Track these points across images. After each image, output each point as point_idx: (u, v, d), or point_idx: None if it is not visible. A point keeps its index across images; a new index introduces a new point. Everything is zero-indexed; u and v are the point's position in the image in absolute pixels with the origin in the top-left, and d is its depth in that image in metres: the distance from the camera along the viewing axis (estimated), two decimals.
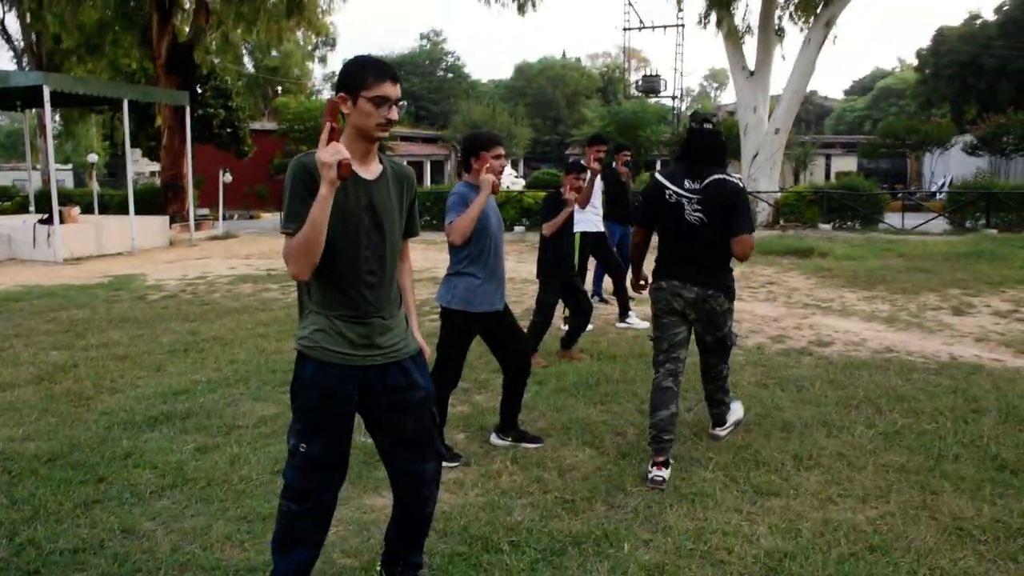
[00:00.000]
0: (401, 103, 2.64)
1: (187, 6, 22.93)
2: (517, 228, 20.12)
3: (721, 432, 4.76)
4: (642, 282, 4.67)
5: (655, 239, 4.59)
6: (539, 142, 57.14)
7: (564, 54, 71.84)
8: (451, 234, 4.25)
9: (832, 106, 75.29)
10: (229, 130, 25.87)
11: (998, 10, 43.90)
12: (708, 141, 4.33)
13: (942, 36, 45.51)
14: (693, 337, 4.57)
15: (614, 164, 8.96)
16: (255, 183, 31.85)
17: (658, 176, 4.41)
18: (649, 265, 4.57)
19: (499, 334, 4.51)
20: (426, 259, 14.13)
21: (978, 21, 45.13)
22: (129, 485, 4.06)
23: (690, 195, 4.24)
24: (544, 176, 25.18)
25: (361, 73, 2.56)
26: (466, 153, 4.40)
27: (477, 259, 4.32)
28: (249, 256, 15.46)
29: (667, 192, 4.29)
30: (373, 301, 2.64)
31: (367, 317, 2.64)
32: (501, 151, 4.35)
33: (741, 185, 4.31)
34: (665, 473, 4.07)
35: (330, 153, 2.35)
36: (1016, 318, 8.64)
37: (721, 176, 4.25)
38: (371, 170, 2.65)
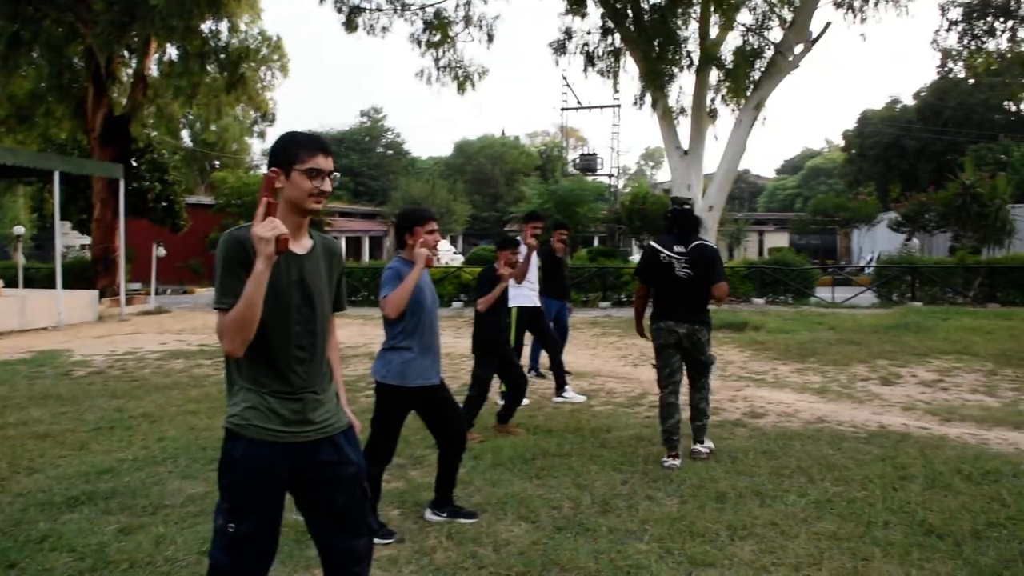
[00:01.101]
0: (334, 176, 2.67)
1: (124, 79, 22.91)
2: (455, 304, 20.18)
3: (703, 448, 5.91)
4: (646, 333, 6.00)
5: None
6: (478, 218, 57.79)
7: (503, 132, 73.33)
8: (385, 308, 4.28)
9: (764, 184, 77.83)
10: (164, 204, 25.59)
11: (916, 95, 46.42)
12: (689, 217, 5.91)
13: (866, 119, 47.90)
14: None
15: (551, 241, 9.10)
16: (189, 257, 31.41)
17: (652, 243, 5.89)
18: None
19: (434, 409, 4.49)
20: (363, 335, 14.05)
21: (898, 106, 47.69)
22: (44, 570, 3.90)
23: (679, 256, 5.75)
24: (482, 252, 25.42)
25: (293, 147, 2.59)
26: (400, 229, 4.45)
27: (412, 333, 4.33)
28: (182, 331, 15.17)
29: (661, 255, 5.79)
30: (305, 376, 2.62)
31: (299, 393, 2.61)
32: (435, 226, 4.41)
33: (715, 247, 5.88)
34: (677, 461, 5.63)
35: (268, 228, 2.36)
36: (941, 387, 8.93)
37: (701, 241, 5.86)
38: (302, 244, 2.66)
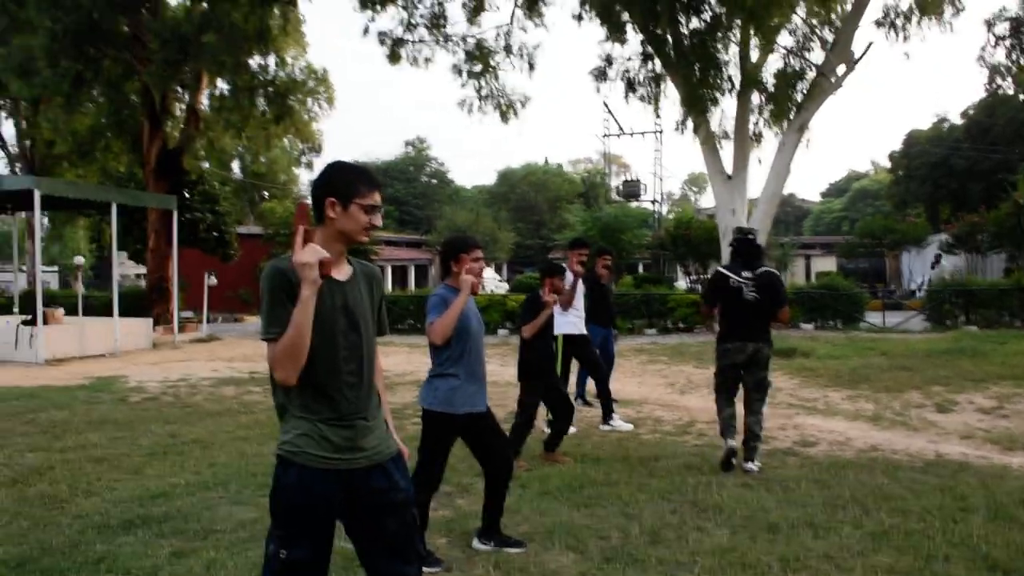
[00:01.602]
0: (382, 210, 2.73)
1: (177, 114, 23.50)
2: (500, 331, 20.19)
3: (753, 467, 6.23)
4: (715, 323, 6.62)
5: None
6: (522, 246, 57.92)
7: (546, 160, 73.68)
8: (432, 334, 4.29)
9: (810, 208, 77.01)
10: (215, 234, 26.12)
11: (964, 114, 45.59)
12: (754, 245, 6.50)
13: (912, 139, 47.12)
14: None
15: (595, 267, 9.08)
16: (240, 286, 31.90)
17: (721, 269, 6.47)
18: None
19: (481, 436, 4.47)
20: (409, 362, 14.10)
21: (946, 124, 46.82)
22: None
23: (747, 281, 6.26)
24: (527, 280, 25.49)
25: (353, 180, 2.64)
26: (446, 256, 4.48)
27: (458, 360, 4.33)
28: (232, 359, 15.39)
29: (731, 280, 6.31)
30: (355, 402, 2.63)
31: (350, 419, 2.62)
32: (480, 253, 4.44)
33: (779, 273, 6.38)
34: (735, 442, 6.28)
35: (310, 254, 2.40)
36: (1000, 414, 8.67)
37: (767, 268, 6.40)
38: (343, 271, 2.68)
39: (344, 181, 2.64)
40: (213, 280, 21.74)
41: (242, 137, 23.56)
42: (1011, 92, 37.71)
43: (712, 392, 6.72)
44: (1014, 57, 26.37)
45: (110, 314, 17.24)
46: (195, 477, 6.20)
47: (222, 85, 21.36)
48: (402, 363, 14.04)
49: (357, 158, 62.07)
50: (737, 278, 6.31)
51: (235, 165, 42.04)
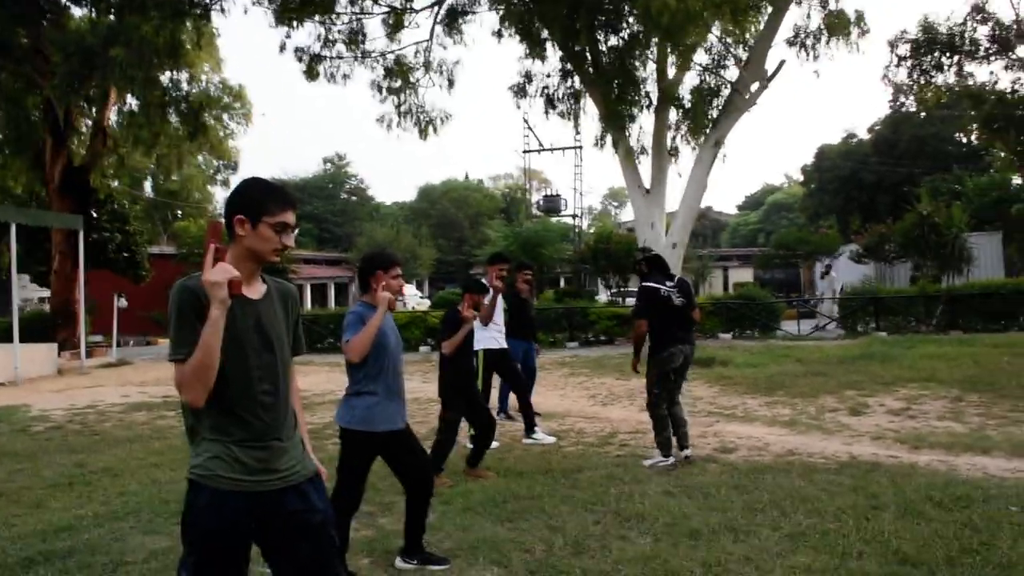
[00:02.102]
0: (296, 230, 2.69)
1: (83, 130, 22.74)
2: (422, 348, 20.09)
3: (689, 452, 6.98)
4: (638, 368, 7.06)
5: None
6: (443, 262, 57.82)
7: (467, 176, 73.95)
8: (348, 352, 4.25)
9: (727, 221, 78.85)
10: (126, 254, 25.32)
11: (871, 129, 47.51)
12: (663, 260, 7.27)
13: (823, 154, 48.85)
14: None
15: (516, 282, 9.11)
16: (152, 308, 30.99)
17: (650, 284, 6.93)
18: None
19: (401, 454, 4.42)
20: (329, 381, 13.90)
21: (854, 139, 48.70)
22: None
23: (672, 289, 6.92)
24: (449, 296, 25.42)
25: (263, 198, 2.59)
26: (363, 273, 4.46)
27: (376, 377, 4.30)
28: (144, 383, 14.92)
29: (661, 290, 6.89)
30: (270, 422, 2.57)
31: (264, 440, 2.56)
32: (398, 270, 4.43)
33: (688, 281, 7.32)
34: (689, 450, 7.01)
35: (220, 273, 2.36)
36: (908, 415, 9.01)
37: (681, 276, 7.53)
38: (256, 289, 2.64)
39: (254, 199, 2.60)
40: (123, 302, 21.07)
41: (153, 155, 22.92)
42: (913, 109, 39.40)
43: (646, 407, 7.06)
44: (915, 76, 27.54)
45: (10, 340, 16.53)
46: (104, 508, 5.97)
47: (131, 101, 20.75)
48: (322, 382, 13.84)
49: (274, 175, 61.29)
50: (665, 288, 6.92)
51: (147, 183, 40.95)
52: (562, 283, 38.01)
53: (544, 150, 40.57)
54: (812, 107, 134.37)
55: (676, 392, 7.07)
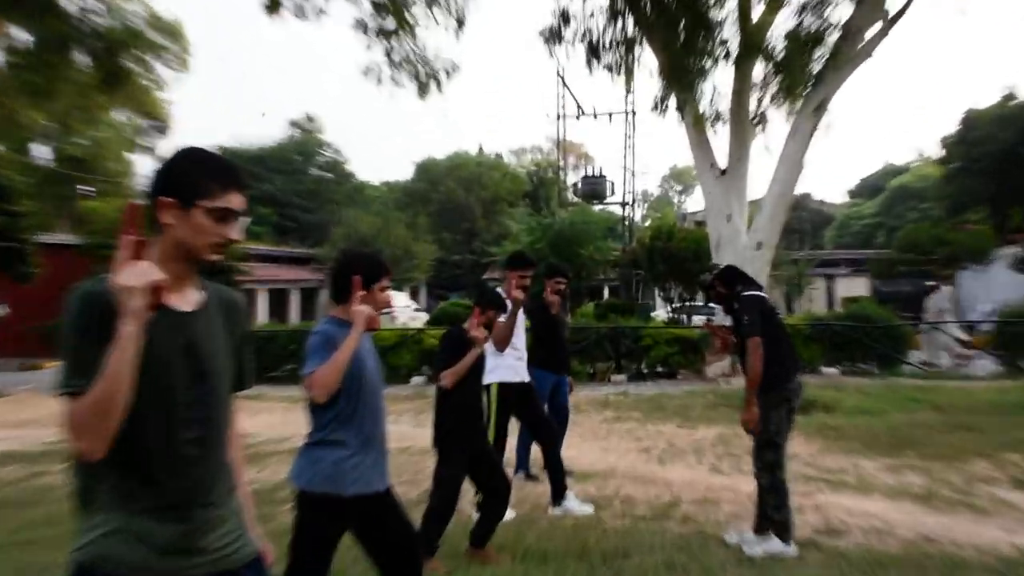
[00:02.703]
0: (245, 219, 2.64)
1: None
2: (415, 378, 20.10)
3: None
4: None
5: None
6: (447, 263, 58.19)
7: (481, 149, 74.11)
8: (312, 387, 4.20)
9: (833, 212, 78.64)
10: (6, 244, 25.34)
11: None
12: (741, 271, 7.42)
13: (971, 121, 47.99)
14: None
15: (544, 293, 9.06)
16: (44, 318, 31.07)
17: (752, 292, 7.02)
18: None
19: (379, 527, 4.37)
20: (286, 423, 13.91)
21: (1015, 102, 47.57)
22: None
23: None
24: (453, 308, 25.43)
25: (201, 175, 2.55)
26: (338, 277, 4.44)
27: (348, 421, 4.26)
28: (23, 424, 14.99)
29: (768, 300, 7.04)
30: (195, 483, 2.54)
31: (186, 508, 2.53)
32: (387, 283, 4.45)
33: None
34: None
35: (136, 274, 2.30)
36: None
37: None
38: (188, 299, 2.60)
39: (188, 175, 2.57)
40: (3, 310, 21.19)
41: (52, 108, 23.01)
42: None
43: (758, 470, 6.92)
44: None
45: None
46: None
47: (21, 34, 20.78)
48: (277, 424, 13.86)
49: (220, 144, 61.69)
50: (771, 302, 7.18)
51: (42, 148, 41.27)
52: (606, 294, 38.04)
53: (585, 116, 40.67)
54: (955, 58, 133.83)
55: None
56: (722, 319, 14.35)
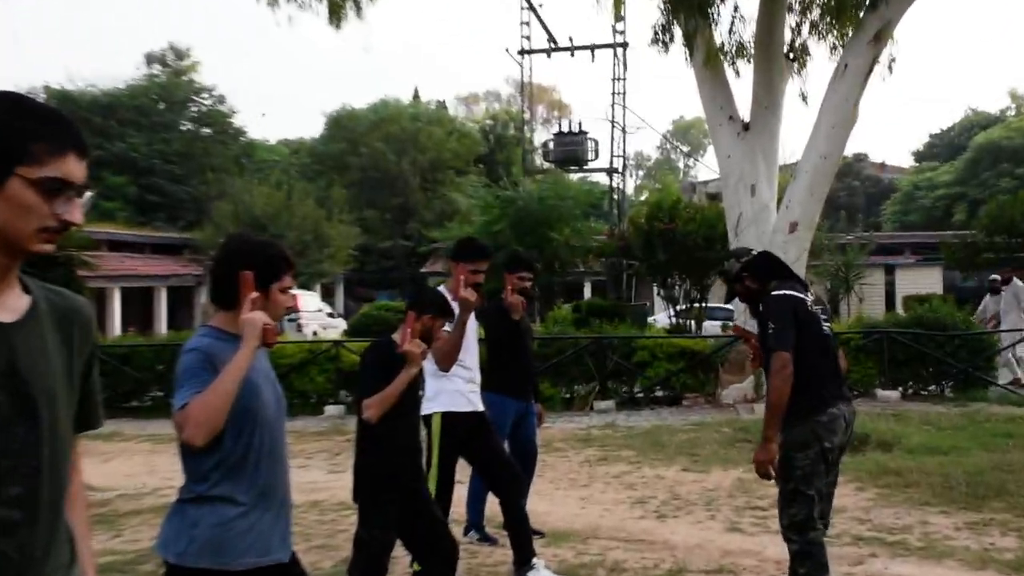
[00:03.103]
0: (88, 194, 2.62)
1: None
2: (329, 408, 20.05)
3: None
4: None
5: None
6: (372, 252, 58.04)
7: (416, 96, 73.76)
8: (186, 426, 4.04)
9: (893, 180, 79.00)
10: None
11: None
12: (777, 258, 7.54)
13: None
14: None
15: (503, 293, 9.05)
16: None
17: (786, 291, 6.94)
18: None
19: None
20: (152, 471, 13.85)
21: None
22: None
23: (813, 305, 7.03)
24: (379, 313, 25.38)
25: (20, 132, 2.50)
26: (223, 275, 4.33)
27: (237, 470, 4.21)
28: None
29: (807, 303, 6.94)
30: (17, 556, 2.52)
31: None
32: (289, 281, 4.39)
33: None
34: None
35: None
36: None
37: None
38: (9, 305, 2.57)
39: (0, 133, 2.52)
40: None
41: None
42: None
43: (784, 526, 6.86)
44: None
45: None
46: None
47: None
48: (137, 474, 13.82)
49: (48, 85, 60.98)
50: (810, 302, 7.07)
51: None
52: (587, 293, 38.19)
53: (559, 50, 40.56)
54: None
55: (831, 496, 7.10)
56: (745, 323, 14.42)
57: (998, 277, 24.88)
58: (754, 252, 7.54)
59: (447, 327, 7.17)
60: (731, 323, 24.41)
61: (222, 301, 4.36)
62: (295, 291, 3.99)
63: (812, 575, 6.65)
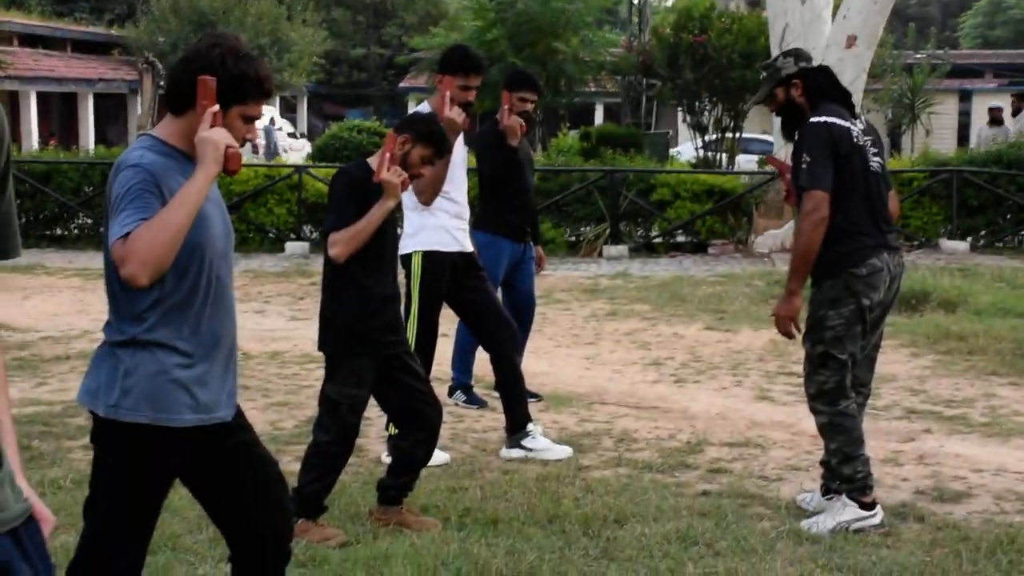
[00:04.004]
0: None
1: None
2: (291, 245, 20.07)
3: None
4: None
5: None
6: (342, 62, 57.58)
7: None
8: (127, 262, 3.89)
9: None
10: None
11: None
12: (835, 77, 7.41)
13: None
14: None
15: (498, 114, 9.02)
16: None
17: (828, 117, 6.87)
18: None
19: (227, 474, 4.40)
20: (82, 310, 13.88)
21: None
22: None
23: (864, 137, 7.00)
24: (350, 135, 25.27)
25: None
26: (179, 72, 4.20)
27: (177, 312, 4.13)
28: None
29: (853, 132, 6.91)
30: None
31: None
32: (257, 110, 4.22)
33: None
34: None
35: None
36: None
37: (864, 118, 7.40)
38: None
39: None
40: None
41: None
42: None
43: (810, 395, 7.00)
44: None
45: None
46: None
47: None
48: (64, 311, 13.97)
49: None
50: (856, 130, 6.99)
51: None
52: (599, 117, 38.05)
53: None
54: None
55: (873, 361, 7.24)
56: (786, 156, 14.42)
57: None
58: (809, 58, 7.38)
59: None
60: (770, 157, 24.39)
61: (174, 104, 4.20)
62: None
63: (844, 451, 6.73)
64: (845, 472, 6.74)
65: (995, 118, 24.66)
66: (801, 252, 6.69)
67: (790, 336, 6.87)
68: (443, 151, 6.81)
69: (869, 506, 6.70)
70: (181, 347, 4.15)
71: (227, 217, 4.39)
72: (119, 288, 4.13)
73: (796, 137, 6.94)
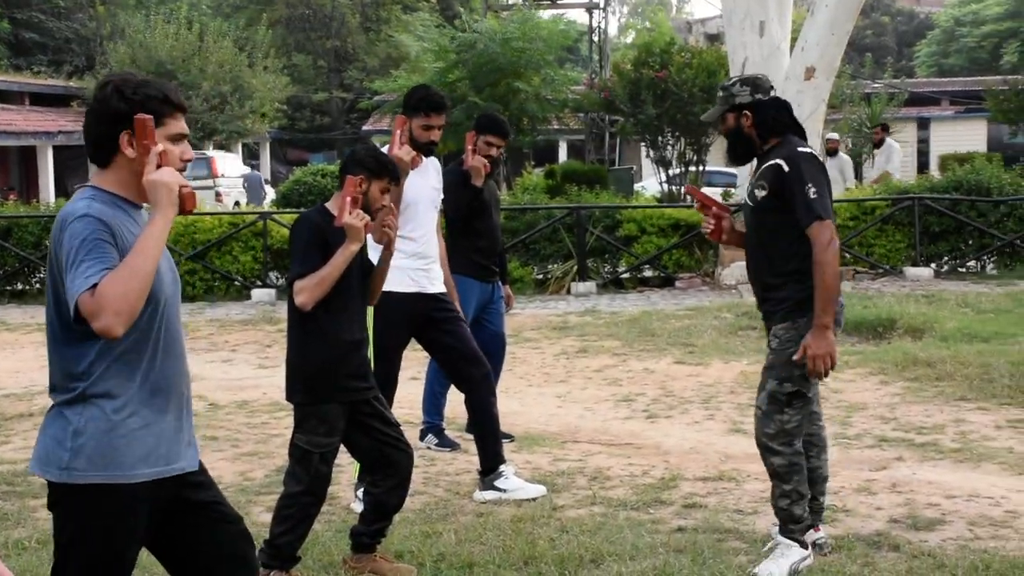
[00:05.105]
0: None
1: None
2: (257, 293, 20.06)
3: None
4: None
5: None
6: (305, 107, 57.64)
7: None
8: (101, 314, 3.70)
9: (929, 17, 78.71)
10: None
11: None
12: (790, 107, 7.40)
13: None
14: None
15: (464, 155, 9.03)
16: None
17: (808, 149, 6.97)
18: None
19: (187, 531, 4.33)
20: (44, 365, 13.79)
21: None
22: None
23: None
24: (313, 179, 25.23)
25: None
26: (92, 136, 4.12)
27: (127, 361, 4.03)
28: None
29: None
30: None
31: None
32: (178, 127, 4.08)
33: None
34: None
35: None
36: None
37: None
38: None
39: None
40: None
41: None
42: None
43: (760, 433, 6.92)
44: None
45: None
46: None
47: None
48: (27, 367, 13.93)
49: None
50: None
51: None
52: (563, 155, 38.14)
53: None
54: None
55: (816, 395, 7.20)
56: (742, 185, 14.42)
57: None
58: (770, 86, 7.28)
59: (385, 197, 6.99)
60: (733, 189, 24.48)
61: (98, 157, 4.15)
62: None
63: (799, 490, 6.72)
64: (796, 513, 6.70)
65: (830, 150, 24.80)
66: (828, 284, 6.56)
67: (824, 376, 6.68)
68: (397, 178, 6.85)
69: (807, 545, 6.70)
70: (132, 398, 4.06)
71: (172, 262, 4.29)
72: (62, 341, 4.06)
73: (786, 168, 6.77)
